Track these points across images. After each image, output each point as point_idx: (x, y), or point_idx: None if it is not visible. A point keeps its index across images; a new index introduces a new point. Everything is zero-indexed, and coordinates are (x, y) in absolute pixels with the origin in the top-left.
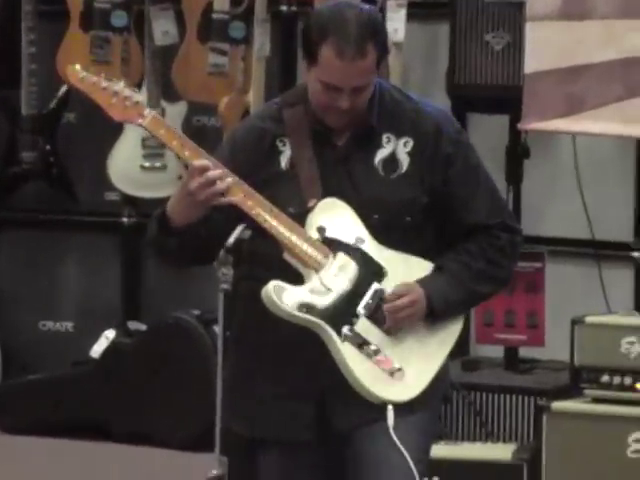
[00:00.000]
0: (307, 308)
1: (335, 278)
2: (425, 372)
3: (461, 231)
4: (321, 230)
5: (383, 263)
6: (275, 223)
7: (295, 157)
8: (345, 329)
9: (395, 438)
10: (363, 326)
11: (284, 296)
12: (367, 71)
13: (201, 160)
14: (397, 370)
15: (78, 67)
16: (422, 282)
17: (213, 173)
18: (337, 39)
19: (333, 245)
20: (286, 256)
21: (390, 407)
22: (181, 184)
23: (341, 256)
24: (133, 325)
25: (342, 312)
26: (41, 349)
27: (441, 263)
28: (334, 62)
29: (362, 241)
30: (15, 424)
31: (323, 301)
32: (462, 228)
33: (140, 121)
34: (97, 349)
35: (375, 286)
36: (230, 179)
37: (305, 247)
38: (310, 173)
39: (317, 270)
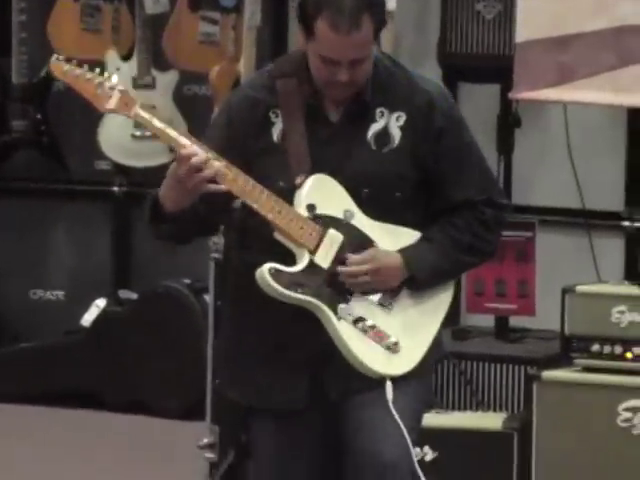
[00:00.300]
0: (302, 288)
1: (326, 255)
2: (420, 343)
3: (448, 206)
4: (311, 208)
5: (372, 235)
6: (265, 205)
7: (286, 131)
8: (340, 306)
9: (394, 413)
10: (357, 302)
11: (279, 277)
12: (364, 43)
13: (188, 148)
14: (394, 344)
15: (61, 59)
16: (404, 249)
17: (198, 159)
18: (331, 12)
19: (323, 222)
20: (277, 236)
21: (389, 382)
22: (170, 171)
23: (331, 232)
24: (124, 294)
25: (336, 289)
26: (32, 318)
27: (427, 234)
28: (330, 36)
29: (352, 215)
30: (7, 392)
31: (317, 280)
32: (450, 203)
33: (127, 111)
34: (88, 318)
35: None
36: (217, 163)
37: (295, 227)
38: (299, 149)
39: (309, 249)
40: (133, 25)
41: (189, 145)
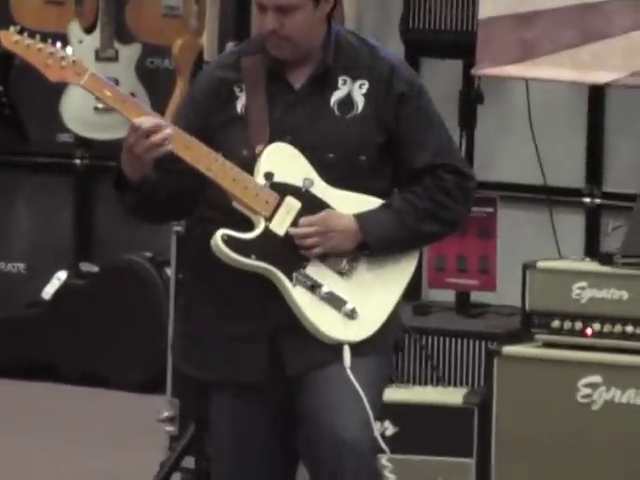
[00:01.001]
0: (256, 254)
1: (282, 222)
2: (379, 311)
3: (411, 173)
4: (268, 176)
5: (332, 202)
6: (219, 173)
7: (249, 102)
8: (296, 273)
9: (352, 376)
10: (314, 268)
11: (232, 244)
12: None
13: (140, 117)
14: (351, 310)
15: (12, 30)
16: (358, 215)
17: (147, 124)
18: None
19: (280, 189)
20: (235, 204)
21: (346, 347)
22: (124, 140)
23: (289, 200)
24: (85, 267)
25: (291, 256)
26: None
27: (387, 200)
28: None
29: (311, 183)
30: None
31: (272, 246)
32: (411, 169)
33: (78, 81)
34: (49, 290)
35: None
36: (169, 130)
37: (251, 195)
38: (260, 118)
39: (264, 216)
40: None
41: (140, 113)
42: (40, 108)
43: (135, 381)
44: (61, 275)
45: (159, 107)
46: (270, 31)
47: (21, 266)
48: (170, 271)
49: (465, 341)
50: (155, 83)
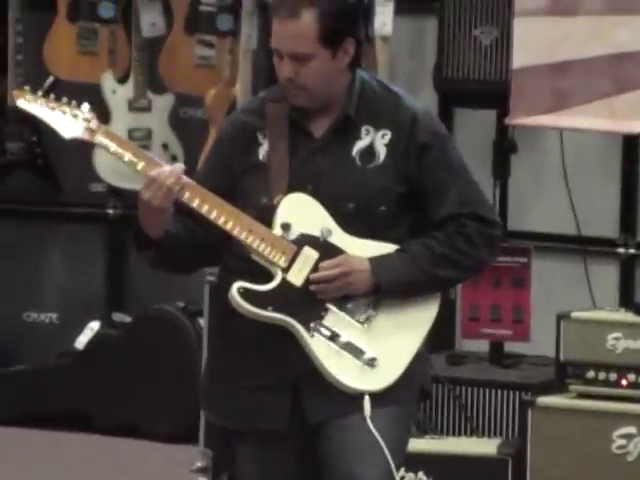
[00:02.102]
0: (273, 306)
1: (300, 273)
2: (399, 360)
3: (434, 222)
4: (285, 226)
5: (350, 251)
6: (236, 224)
7: (270, 150)
8: (314, 323)
9: (372, 426)
10: (332, 318)
11: (249, 297)
12: (303, 37)
13: (155, 170)
14: (370, 359)
15: (25, 88)
16: (374, 257)
17: (162, 174)
18: (277, 1)
19: (298, 240)
20: (253, 256)
21: (367, 397)
22: (139, 194)
23: (306, 250)
24: (117, 317)
25: (309, 306)
26: (25, 340)
27: (404, 245)
28: (273, 23)
29: (329, 233)
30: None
31: (290, 298)
32: (435, 220)
33: (92, 138)
34: (82, 340)
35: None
36: (184, 180)
37: (267, 246)
38: (280, 167)
39: (281, 267)
40: (129, 48)
41: (156, 166)
42: (73, 158)
43: (168, 431)
44: (94, 325)
45: (192, 157)
46: (286, 79)
47: (54, 316)
48: (203, 321)
49: (499, 392)
50: (188, 133)
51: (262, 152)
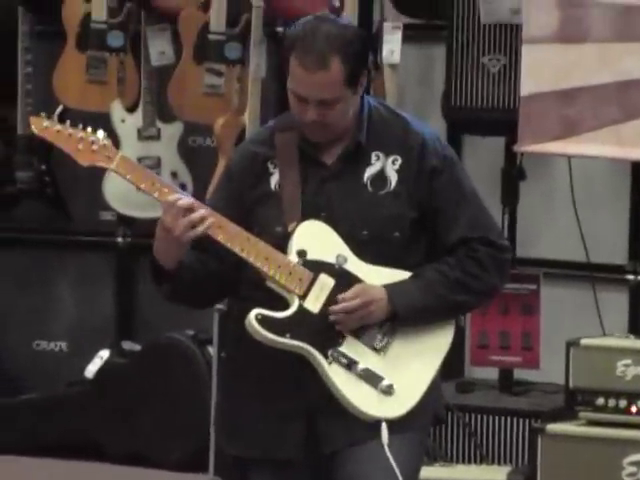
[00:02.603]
0: (291, 333)
1: (316, 300)
2: (416, 387)
3: (445, 248)
4: (301, 253)
5: (365, 278)
6: (252, 252)
7: (282, 179)
8: (331, 350)
9: (389, 454)
10: (349, 345)
11: (267, 324)
12: (332, 84)
13: (173, 195)
14: (387, 387)
15: (42, 115)
16: (389, 284)
17: (183, 202)
18: (301, 50)
19: (314, 267)
20: (269, 283)
21: (384, 424)
22: (158, 223)
23: (322, 277)
24: (127, 345)
25: (326, 333)
26: (35, 369)
27: (417, 271)
28: (298, 72)
29: (344, 260)
30: (9, 444)
31: (307, 325)
32: (446, 243)
33: (109, 164)
34: (91, 369)
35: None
36: (203, 210)
37: (284, 274)
38: (292, 195)
39: (298, 294)
40: (138, 76)
41: (172, 192)
42: (82, 186)
43: (178, 460)
44: (103, 354)
45: (201, 185)
46: (314, 123)
47: (63, 345)
48: (212, 349)
49: (509, 419)
50: (197, 161)
51: (273, 182)
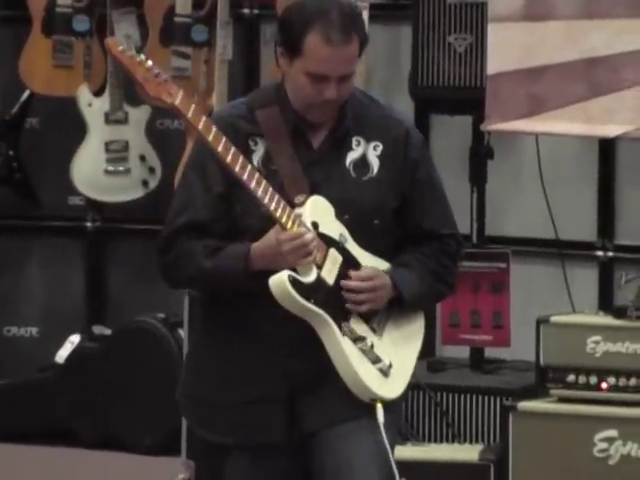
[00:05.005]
0: (315, 300)
1: (330, 272)
2: (407, 369)
3: (416, 235)
4: (315, 225)
5: (361, 262)
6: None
7: (274, 156)
8: (344, 324)
9: (385, 437)
10: (355, 322)
11: (297, 286)
12: (353, 58)
13: (299, 229)
14: (388, 367)
15: (119, 37)
16: (390, 271)
17: (308, 238)
18: (323, 26)
19: (325, 240)
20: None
21: (379, 405)
22: (271, 242)
23: (332, 252)
24: (98, 329)
25: (339, 306)
26: (6, 355)
27: (399, 260)
28: (322, 49)
29: (345, 239)
30: None
31: (324, 294)
32: (417, 232)
33: (172, 100)
34: (62, 354)
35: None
36: (310, 234)
37: (308, 235)
38: (293, 170)
39: (317, 263)
40: (105, 60)
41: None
42: (50, 172)
43: (150, 443)
44: (74, 338)
45: (170, 168)
46: (330, 100)
47: (34, 330)
48: (183, 332)
49: (480, 397)
50: (165, 144)
51: (256, 159)
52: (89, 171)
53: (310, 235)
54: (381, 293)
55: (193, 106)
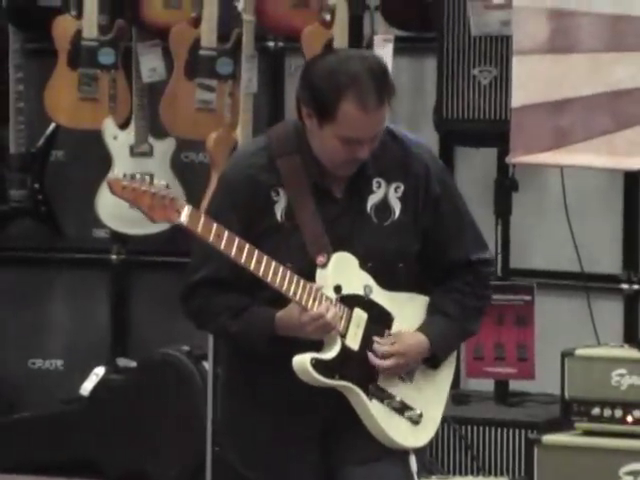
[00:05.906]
0: (339, 374)
1: (355, 337)
2: (437, 411)
3: (445, 266)
4: (337, 289)
5: (391, 309)
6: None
7: (296, 210)
8: (371, 386)
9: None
10: (383, 377)
11: (320, 368)
12: (385, 117)
13: (320, 309)
14: (418, 416)
15: (121, 176)
16: (426, 329)
17: (330, 317)
18: (357, 93)
19: (349, 301)
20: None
21: (412, 455)
22: (292, 318)
23: (357, 312)
24: (122, 362)
25: (366, 369)
26: (30, 387)
27: (437, 302)
28: (357, 116)
29: (370, 290)
30: (5, 463)
31: (349, 362)
32: (449, 264)
33: (179, 220)
34: (87, 386)
35: (387, 334)
36: (332, 312)
37: (329, 315)
38: (314, 227)
39: (340, 332)
40: (130, 93)
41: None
42: (75, 204)
43: (175, 476)
44: (99, 371)
45: (195, 201)
46: (360, 159)
47: (58, 363)
48: (208, 365)
49: (505, 430)
50: (190, 177)
51: (279, 211)
52: (114, 204)
53: (332, 313)
54: (409, 356)
55: (202, 218)
